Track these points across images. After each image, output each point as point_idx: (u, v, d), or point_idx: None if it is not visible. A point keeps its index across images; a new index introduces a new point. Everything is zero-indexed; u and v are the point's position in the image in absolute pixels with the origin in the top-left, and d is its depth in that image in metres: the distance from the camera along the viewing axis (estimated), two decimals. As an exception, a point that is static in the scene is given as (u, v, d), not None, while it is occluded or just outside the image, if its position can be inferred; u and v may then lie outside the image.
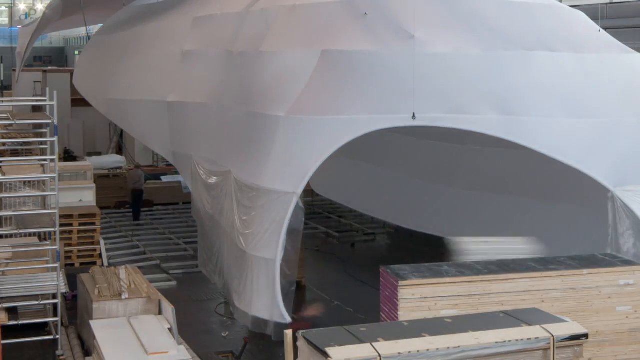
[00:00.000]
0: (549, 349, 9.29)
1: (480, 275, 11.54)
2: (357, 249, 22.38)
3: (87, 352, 14.24)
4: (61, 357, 14.30)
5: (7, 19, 65.49)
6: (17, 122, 16.44)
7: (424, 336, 9.12)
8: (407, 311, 11.01)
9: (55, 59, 78.08)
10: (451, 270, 11.70)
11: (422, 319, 10.57)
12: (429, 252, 20.41)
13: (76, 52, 65.47)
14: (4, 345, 13.04)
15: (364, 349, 8.80)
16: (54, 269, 14.89)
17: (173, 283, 18.92)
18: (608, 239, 14.39)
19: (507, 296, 11.48)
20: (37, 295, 14.76)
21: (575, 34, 16.26)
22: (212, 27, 19.85)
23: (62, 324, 15.08)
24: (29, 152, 21.71)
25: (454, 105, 14.77)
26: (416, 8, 15.08)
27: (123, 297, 13.85)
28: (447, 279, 11.36)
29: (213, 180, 17.21)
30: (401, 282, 11.09)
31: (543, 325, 9.48)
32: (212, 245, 17.47)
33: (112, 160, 28.94)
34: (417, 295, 11.14)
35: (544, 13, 16.41)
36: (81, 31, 37.60)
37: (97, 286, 14.37)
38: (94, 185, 22.00)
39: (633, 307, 11.87)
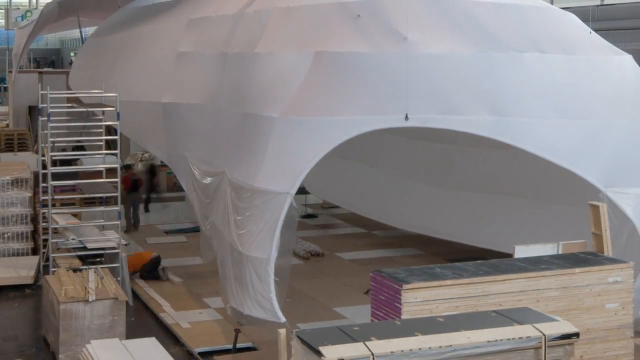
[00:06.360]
0: (541, 347, 9.38)
1: (477, 276, 11.60)
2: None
3: (52, 354, 14.36)
4: None
5: (2, 21, 65.30)
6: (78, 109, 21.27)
7: (416, 335, 9.19)
8: (410, 315, 10.93)
9: (51, 61, 77.92)
10: (446, 272, 11.71)
11: (414, 318, 10.64)
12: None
13: (72, 54, 65.38)
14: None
15: (358, 348, 8.84)
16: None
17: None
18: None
19: (505, 297, 11.53)
20: (103, 248, 17.76)
21: (566, 36, 16.37)
22: (206, 29, 19.90)
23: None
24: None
25: (447, 106, 14.87)
26: (409, 10, 15.16)
27: (90, 299, 13.94)
28: (448, 282, 11.32)
29: (207, 180, 17.28)
30: (405, 286, 11.08)
31: (534, 325, 9.56)
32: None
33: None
34: (420, 299, 11.10)
35: (535, 15, 16.52)
36: (77, 33, 37.57)
37: (64, 287, 14.40)
38: None
39: (621, 303, 12.03)
